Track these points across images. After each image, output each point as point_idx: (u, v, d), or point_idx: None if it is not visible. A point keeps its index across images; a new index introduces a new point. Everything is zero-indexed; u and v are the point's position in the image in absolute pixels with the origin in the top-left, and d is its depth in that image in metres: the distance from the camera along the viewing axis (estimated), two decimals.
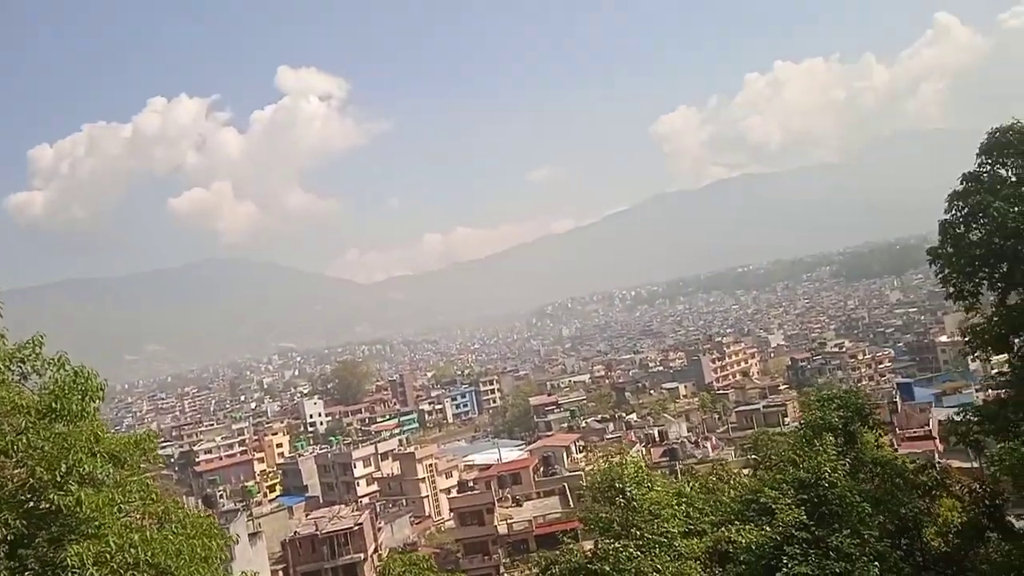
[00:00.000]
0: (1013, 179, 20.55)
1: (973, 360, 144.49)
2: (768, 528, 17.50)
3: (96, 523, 12.51)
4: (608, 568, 18.21)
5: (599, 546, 19.58)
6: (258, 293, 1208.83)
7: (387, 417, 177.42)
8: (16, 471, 13.17)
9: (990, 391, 76.77)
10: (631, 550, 17.97)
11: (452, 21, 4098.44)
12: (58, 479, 12.63)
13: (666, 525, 19.01)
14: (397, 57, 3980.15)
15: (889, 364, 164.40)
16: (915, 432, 67.29)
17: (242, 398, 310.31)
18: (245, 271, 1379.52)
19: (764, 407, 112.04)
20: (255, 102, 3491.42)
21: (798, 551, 16.74)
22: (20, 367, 13.60)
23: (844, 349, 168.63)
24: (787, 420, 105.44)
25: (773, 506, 17.97)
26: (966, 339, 22.79)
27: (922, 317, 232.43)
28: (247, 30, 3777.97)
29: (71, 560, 11.92)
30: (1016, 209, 19.53)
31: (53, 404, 13.08)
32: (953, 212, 21.48)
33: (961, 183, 21.41)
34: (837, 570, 16.49)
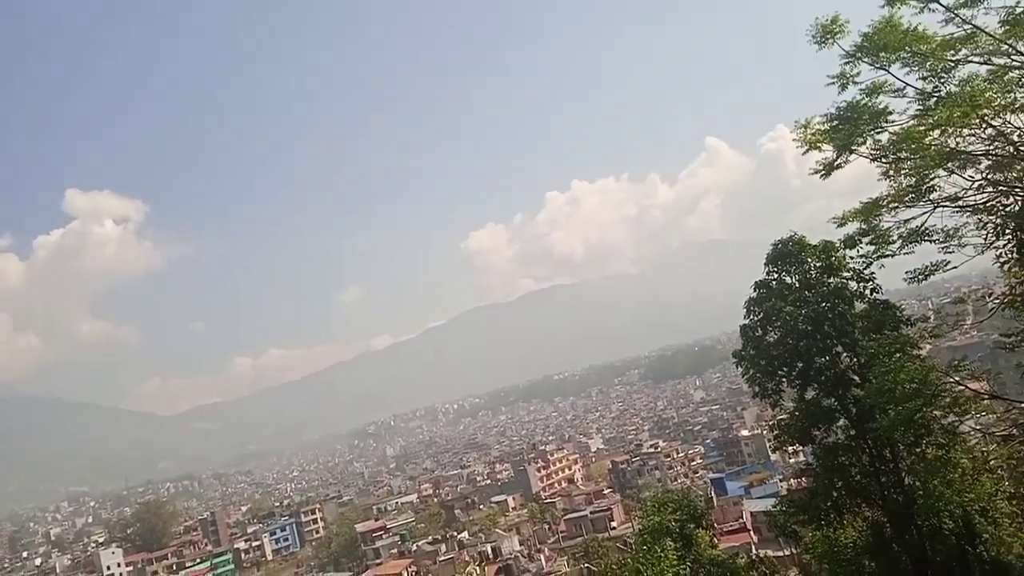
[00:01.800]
0: (797, 284, 22.89)
1: (773, 452, 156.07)
2: None
3: None
4: None
5: None
6: (42, 433, 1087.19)
7: (197, 561, 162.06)
8: None
9: (792, 480, 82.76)
10: None
11: (254, 144, 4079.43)
12: None
13: None
14: (197, 178, 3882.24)
15: (701, 460, 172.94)
16: (732, 525, 70.49)
17: (24, 554, 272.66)
18: (25, 409, 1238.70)
19: (591, 513, 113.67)
20: (39, 227, 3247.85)
21: None
22: None
23: (659, 449, 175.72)
24: (614, 524, 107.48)
25: None
26: (774, 434, 24.48)
27: (724, 413, 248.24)
28: (29, 152, 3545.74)
29: None
30: (803, 312, 21.70)
31: None
32: (751, 317, 23.49)
33: (754, 290, 23.54)
34: None
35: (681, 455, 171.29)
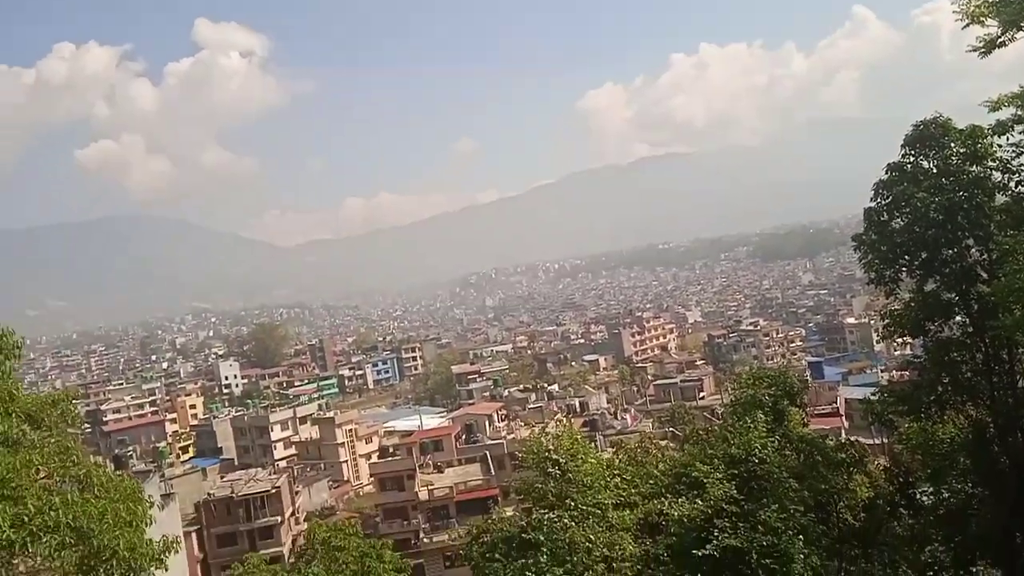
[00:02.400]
0: (934, 170, 21.44)
1: (879, 342, 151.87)
2: (700, 502, 18.03)
3: (12, 484, 11.88)
4: (542, 537, 18.45)
5: (533, 516, 19.79)
6: (171, 251, 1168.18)
7: (306, 382, 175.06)
8: None
9: (895, 372, 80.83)
10: (565, 520, 18.29)
11: None
12: None
13: (599, 496, 19.37)
14: (323, 16, 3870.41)
15: (800, 343, 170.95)
16: (824, 409, 70.16)
17: (153, 358, 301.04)
18: (156, 228, 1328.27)
19: (682, 381, 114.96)
20: (170, 54, 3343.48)
21: (727, 524, 17.33)
22: None
23: (759, 327, 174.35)
24: (703, 395, 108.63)
25: (704, 480, 18.51)
26: (884, 323, 23.77)
27: (832, 299, 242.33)
28: None
29: None
30: (937, 200, 20.42)
31: None
32: (878, 200, 22.28)
33: (886, 172, 22.19)
34: (764, 543, 17.14)
35: (781, 335, 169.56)
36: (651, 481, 21.17)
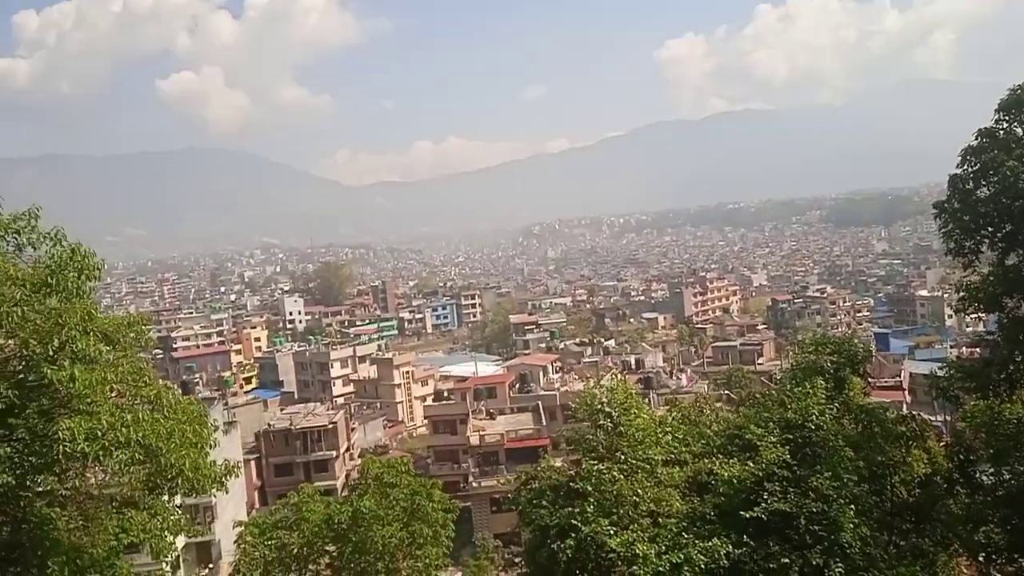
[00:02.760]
0: None
1: (950, 316, 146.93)
2: (751, 464, 17.87)
3: (88, 400, 12.50)
4: (590, 488, 18.60)
5: (583, 466, 19.94)
6: (243, 185, 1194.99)
7: (367, 322, 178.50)
8: (8, 341, 13.05)
9: (965, 348, 78.21)
10: (614, 473, 18.37)
11: None
12: (51, 353, 12.56)
13: (649, 452, 19.37)
14: None
15: (868, 313, 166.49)
16: (887, 382, 68.50)
17: (222, 289, 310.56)
18: (232, 161, 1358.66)
19: (741, 345, 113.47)
20: None
21: (778, 488, 17.17)
22: (15, 238, 13.33)
23: (825, 295, 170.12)
24: (761, 360, 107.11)
25: (758, 443, 18.31)
26: (959, 295, 22.92)
27: (905, 270, 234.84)
28: None
29: (63, 434, 11.93)
30: None
31: (49, 279, 12.89)
32: (965, 167, 21.28)
33: (976, 139, 21.14)
34: (814, 509, 16.95)
35: (847, 304, 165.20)
36: (703, 441, 21.04)
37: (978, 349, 75.73)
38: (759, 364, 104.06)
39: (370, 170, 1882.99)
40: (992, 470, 22.63)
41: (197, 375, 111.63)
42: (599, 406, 20.53)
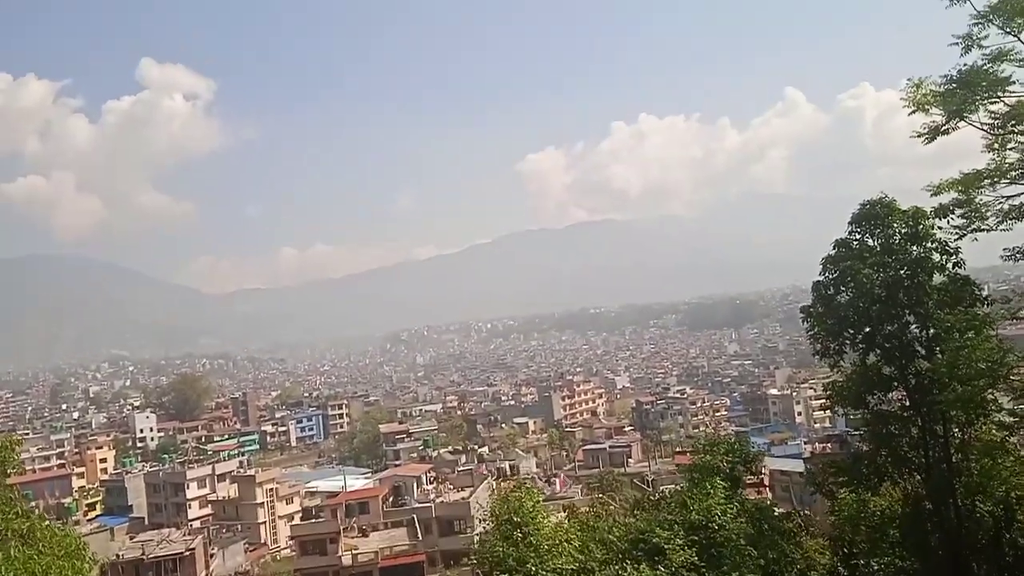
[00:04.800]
0: (878, 248, 22.29)
1: (799, 414, 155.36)
2: (662, 568, 17.72)
3: None
4: None
5: None
6: (93, 294, 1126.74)
7: (226, 437, 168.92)
8: None
9: (818, 444, 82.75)
10: None
11: (328, 39, 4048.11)
12: None
13: (558, 562, 18.89)
14: (269, 65, 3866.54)
15: (725, 412, 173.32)
16: (750, 480, 70.67)
17: (64, 407, 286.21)
18: (81, 270, 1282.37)
19: (611, 447, 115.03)
20: (111, 92, 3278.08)
21: None
22: None
23: (686, 395, 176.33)
24: (631, 461, 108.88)
25: (664, 546, 18.26)
26: (827, 394, 24.25)
27: (756, 370, 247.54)
28: (111, 16, 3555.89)
29: None
30: (880, 276, 21.19)
31: None
32: (825, 275, 23.02)
33: (833, 248, 23.00)
34: None
35: (707, 404, 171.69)
36: (604, 547, 20.80)
37: (828, 445, 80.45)
38: (629, 465, 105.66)
39: (232, 278, 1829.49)
40: (863, 562, 23.54)
41: (33, 503, 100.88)
42: (508, 515, 19.98)
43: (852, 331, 22.48)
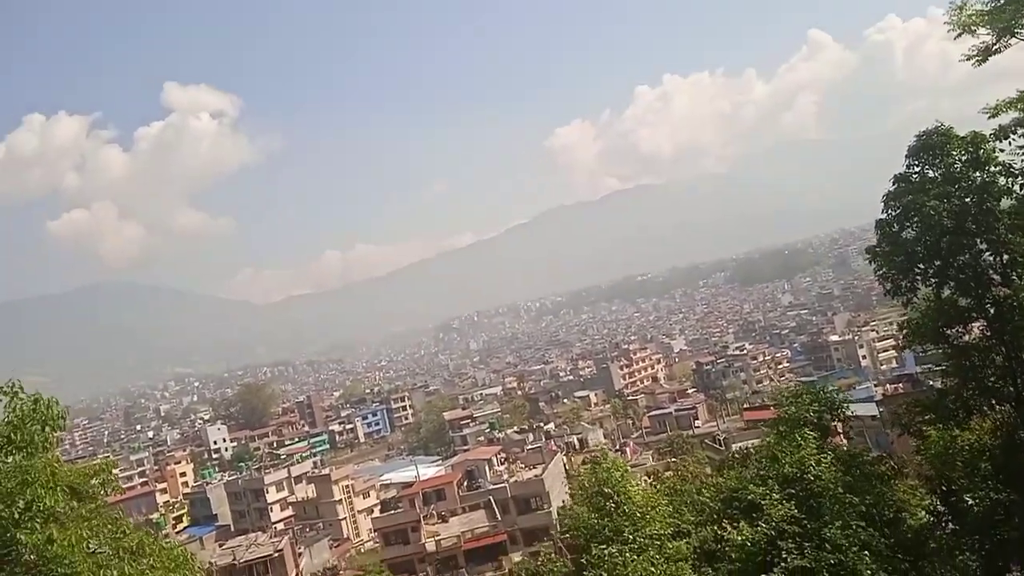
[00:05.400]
0: (939, 179, 21.76)
1: (864, 358, 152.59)
2: (762, 524, 17.73)
3: (66, 562, 11.46)
4: (604, 574, 18.07)
5: (593, 552, 19.38)
6: (148, 317, 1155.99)
7: (296, 440, 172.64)
8: None
9: (889, 386, 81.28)
10: (626, 554, 17.93)
11: (346, 39, 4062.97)
12: (15, 516, 11.54)
13: (652, 527, 19.07)
14: (289, 73, 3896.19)
15: (787, 364, 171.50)
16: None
17: (138, 427, 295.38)
18: (132, 295, 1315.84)
19: (676, 411, 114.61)
20: (140, 119, 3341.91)
21: (792, 545, 17.05)
22: None
23: (745, 351, 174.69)
24: (698, 423, 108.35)
25: (761, 502, 18.24)
26: (903, 332, 23.87)
27: (813, 318, 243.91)
28: (131, 45, 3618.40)
29: None
30: (945, 207, 20.71)
31: (12, 435, 11.97)
32: (887, 211, 22.54)
33: (893, 184, 22.51)
34: (832, 561, 16.90)
35: (767, 358, 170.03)
36: (699, 508, 20.88)
37: (900, 385, 78.90)
38: (696, 427, 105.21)
39: (279, 286, 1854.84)
40: (954, 499, 23.20)
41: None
42: (598, 487, 20.22)
43: (923, 266, 22.00)
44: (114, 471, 14.53)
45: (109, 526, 12.75)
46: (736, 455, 31.08)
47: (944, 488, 21.94)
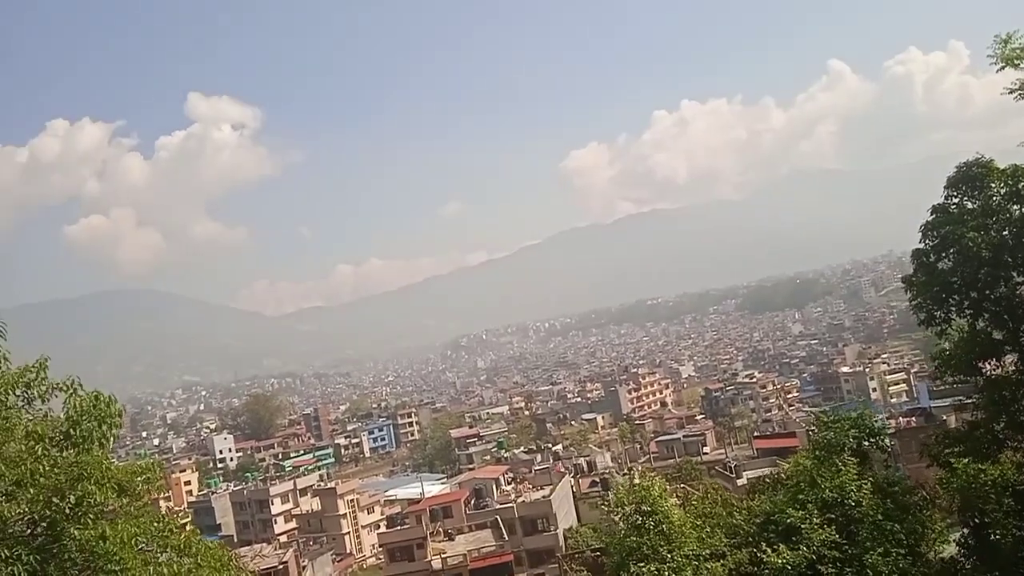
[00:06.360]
0: (978, 211, 21.80)
1: (874, 390, 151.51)
2: (803, 548, 17.67)
3: (117, 558, 11.55)
4: None
5: (631, 571, 19.34)
6: (160, 325, 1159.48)
7: (302, 452, 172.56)
8: (23, 507, 12.05)
9: (901, 419, 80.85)
10: (666, 573, 17.92)
11: (372, 62, 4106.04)
12: (67, 511, 11.67)
13: (691, 547, 19.04)
14: (312, 88, 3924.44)
15: (796, 394, 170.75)
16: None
17: (144, 434, 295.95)
18: (146, 302, 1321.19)
19: (684, 436, 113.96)
20: (162, 128, 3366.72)
21: (833, 570, 17.02)
22: (25, 392, 12.58)
23: (754, 379, 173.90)
24: (706, 449, 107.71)
25: (800, 525, 18.17)
26: (935, 363, 23.82)
27: (823, 348, 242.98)
28: (157, 55, 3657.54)
29: None
30: (984, 239, 20.72)
31: (71, 431, 12.13)
32: (925, 242, 22.58)
33: (931, 214, 22.55)
34: None
35: (777, 387, 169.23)
36: (734, 531, 20.80)
37: (913, 419, 78.41)
38: (705, 454, 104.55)
39: (291, 298, 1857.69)
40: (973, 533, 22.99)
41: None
42: (635, 506, 20.21)
43: (958, 297, 22.01)
44: (162, 472, 14.61)
45: (156, 524, 12.87)
46: (767, 479, 30.88)
47: (975, 521, 21.80)
